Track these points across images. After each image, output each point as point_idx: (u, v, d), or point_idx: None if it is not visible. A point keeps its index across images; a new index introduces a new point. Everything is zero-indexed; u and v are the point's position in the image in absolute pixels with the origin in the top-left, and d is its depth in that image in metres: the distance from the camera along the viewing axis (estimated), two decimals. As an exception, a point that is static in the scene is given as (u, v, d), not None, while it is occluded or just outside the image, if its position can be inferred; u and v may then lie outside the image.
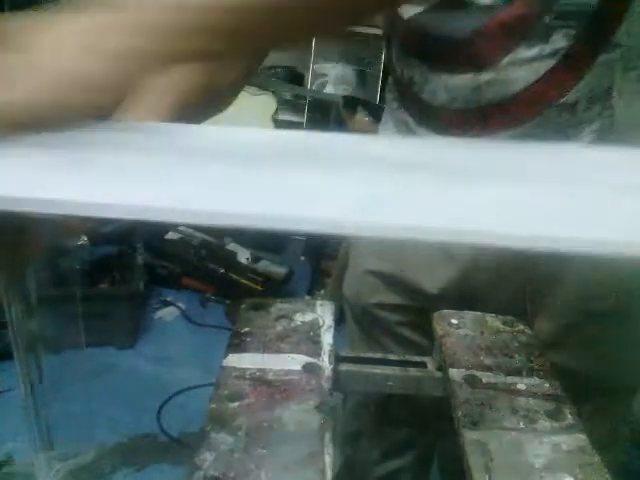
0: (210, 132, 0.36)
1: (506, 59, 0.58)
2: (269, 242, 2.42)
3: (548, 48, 0.57)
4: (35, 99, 0.28)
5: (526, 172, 0.34)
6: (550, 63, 0.57)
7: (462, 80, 0.60)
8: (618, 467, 0.65)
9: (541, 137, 0.60)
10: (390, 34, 0.69)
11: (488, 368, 0.52)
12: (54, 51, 0.28)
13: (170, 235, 2.34)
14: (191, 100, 0.35)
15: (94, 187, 0.27)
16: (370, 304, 0.77)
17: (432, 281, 0.69)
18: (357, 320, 0.82)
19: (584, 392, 0.58)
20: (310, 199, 0.28)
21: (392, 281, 0.73)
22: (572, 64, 0.57)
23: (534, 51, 0.57)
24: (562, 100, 0.58)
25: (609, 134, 0.60)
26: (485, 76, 0.59)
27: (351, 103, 2.63)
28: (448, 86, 0.61)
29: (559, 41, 0.56)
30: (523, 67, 0.58)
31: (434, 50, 0.62)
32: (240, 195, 0.28)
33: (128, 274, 2.06)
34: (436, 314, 0.61)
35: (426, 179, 0.32)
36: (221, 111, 0.41)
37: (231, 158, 0.33)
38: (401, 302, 0.75)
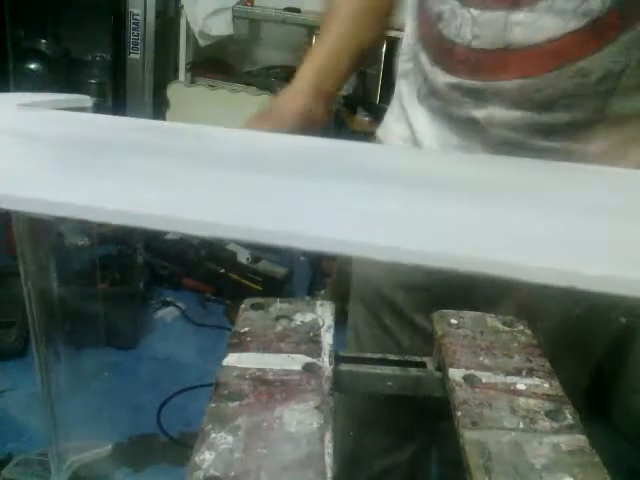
0: (219, 135, 0.36)
1: (542, 4, 0.58)
2: (269, 242, 2.41)
3: (583, 6, 0.57)
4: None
5: (541, 194, 0.34)
6: (580, 22, 0.57)
7: (491, 17, 0.60)
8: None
9: (547, 99, 0.61)
10: None
11: (488, 368, 0.52)
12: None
13: (170, 235, 2.34)
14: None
15: (91, 190, 0.27)
16: (383, 285, 0.77)
17: None
18: (365, 302, 0.82)
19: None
20: (311, 215, 0.27)
21: None
22: (599, 30, 0.57)
23: (570, 5, 0.57)
24: (578, 63, 0.58)
25: (604, 118, 0.61)
26: (516, 16, 0.59)
27: (351, 103, 2.62)
28: (476, 22, 0.61)
29: (595, 3, 0.56)
30: (554, 17, 0.58)
31: None
32: (238, 207, 0.28)
33: (128, 274, 2.06)
34: (436, 314, 0.61)
35: (434, 197, 0.31)
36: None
37: (236, 165, 0.33)
38: (418, 281, 0.74)
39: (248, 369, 0.49)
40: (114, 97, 2.76)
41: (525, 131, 0.64)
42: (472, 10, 0.61)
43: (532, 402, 0.48)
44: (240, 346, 0.52)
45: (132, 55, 2.60)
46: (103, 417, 1.48)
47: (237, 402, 0.45)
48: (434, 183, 0.36)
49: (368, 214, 0.28)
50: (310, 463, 0.39)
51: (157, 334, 2.05)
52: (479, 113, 0.65)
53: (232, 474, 0.38)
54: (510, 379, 0.51)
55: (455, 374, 0.51)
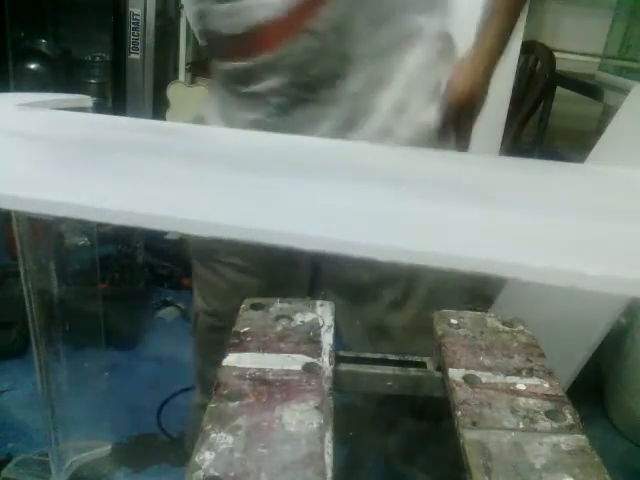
0: (219, 135, 0.36)
1: None
2: (269, 242, 2.41)
3: None
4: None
5: (541, 195, 0.34)
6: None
7: (225, 7, 0.70)
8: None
9: (297, 64, 0.70)
10: None
11: (488, 368, 0.52)
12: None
13: (170, 235, 2.33)
14: None
15: (92, 190, 0.27)
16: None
17: None
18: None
19: None
20: (305, 215, 0.27)
21: None
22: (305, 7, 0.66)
23: None
24: (299, 35, 0.68)
25: (347, 66, 0.70)
26: (247, 2, 0.68)
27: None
28: (220, 14, 0.71)
29: None
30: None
31: None
32: (238, 207, 0.27)
33: (128, 274, 2.06)
34: (436, 314, 0.61)
35: (434, 197, 0.31)
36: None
37: (236, 165, 0.33)
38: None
39: (248, 369, 0.49)
40: (114, 97, 2.76)
41: (299, 93, 0.72)
42: (215, 5, 0.71)
43: (532, 402, 0.48)
44: (240, 346, 0.52)
45: (132, 55, 2.60)
46: (103, 417, 1.48)
47: (237, 402, 0.45)
48: (435, 183, 0.36)
49: (368, 214, 0.28)
50: (310, 463, 0.39)
51: (157, 334, 2.05)
52: (259, 87, 0.74)
53: (232, 474, 0.38)
54: (510, 379, 0.51)
55: (455, 374, 0.51)
